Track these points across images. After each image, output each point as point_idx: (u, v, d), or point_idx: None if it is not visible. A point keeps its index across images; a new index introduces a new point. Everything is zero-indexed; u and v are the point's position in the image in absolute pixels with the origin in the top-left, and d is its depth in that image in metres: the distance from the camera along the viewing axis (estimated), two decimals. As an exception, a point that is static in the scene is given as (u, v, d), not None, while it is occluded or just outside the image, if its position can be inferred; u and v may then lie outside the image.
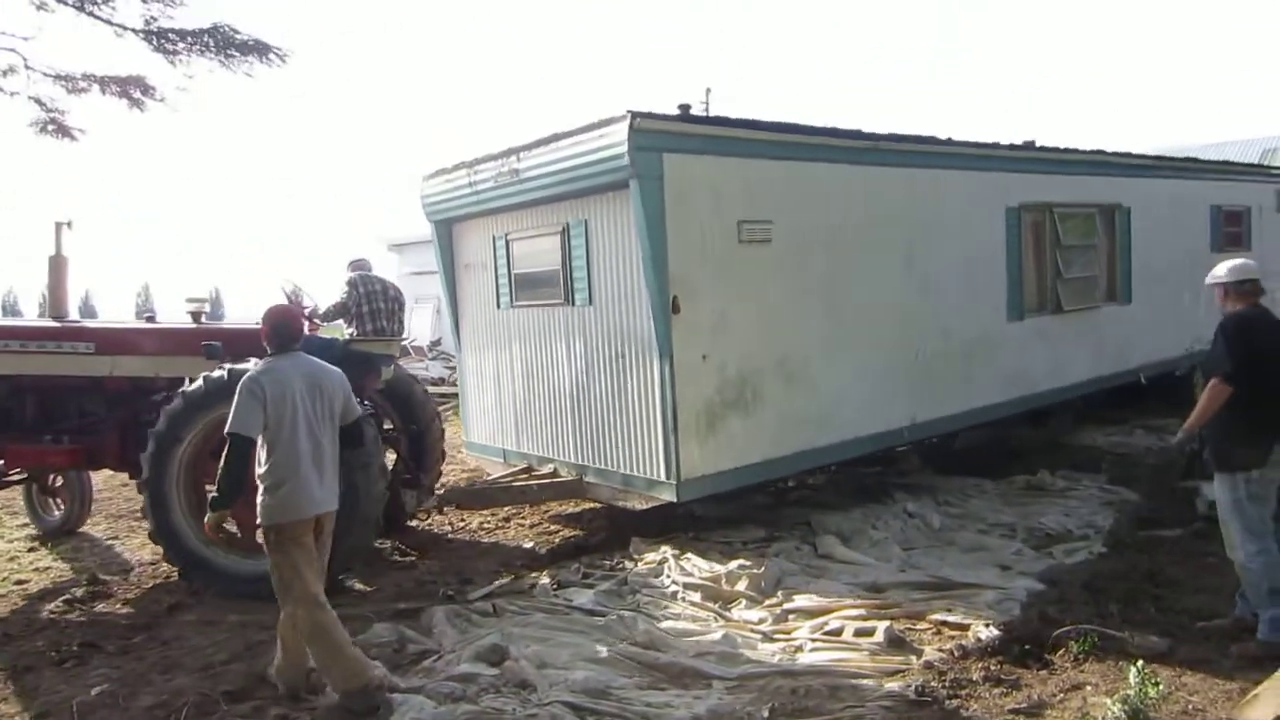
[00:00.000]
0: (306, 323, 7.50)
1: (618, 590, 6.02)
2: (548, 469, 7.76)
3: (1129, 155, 11.08)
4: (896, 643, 4.97)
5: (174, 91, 11.18)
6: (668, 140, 6.40)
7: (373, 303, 7.43)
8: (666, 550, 6.61)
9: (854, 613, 5.44)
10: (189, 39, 10.49)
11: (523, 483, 7.68)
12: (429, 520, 8.08)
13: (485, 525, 7.96)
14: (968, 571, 6.14)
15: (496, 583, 6.20)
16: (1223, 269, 5.03)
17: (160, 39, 10.47)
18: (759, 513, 7.79)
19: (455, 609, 5.67)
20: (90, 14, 10.27)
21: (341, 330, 7.48)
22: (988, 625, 5.04)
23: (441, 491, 7.99)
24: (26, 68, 10.86)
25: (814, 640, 5.12)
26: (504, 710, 4.29)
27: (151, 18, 10.43)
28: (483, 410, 8.69)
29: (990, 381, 8.89)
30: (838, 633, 5.18)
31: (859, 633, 5.13)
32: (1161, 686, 3.91)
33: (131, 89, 10.98)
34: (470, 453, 9.18)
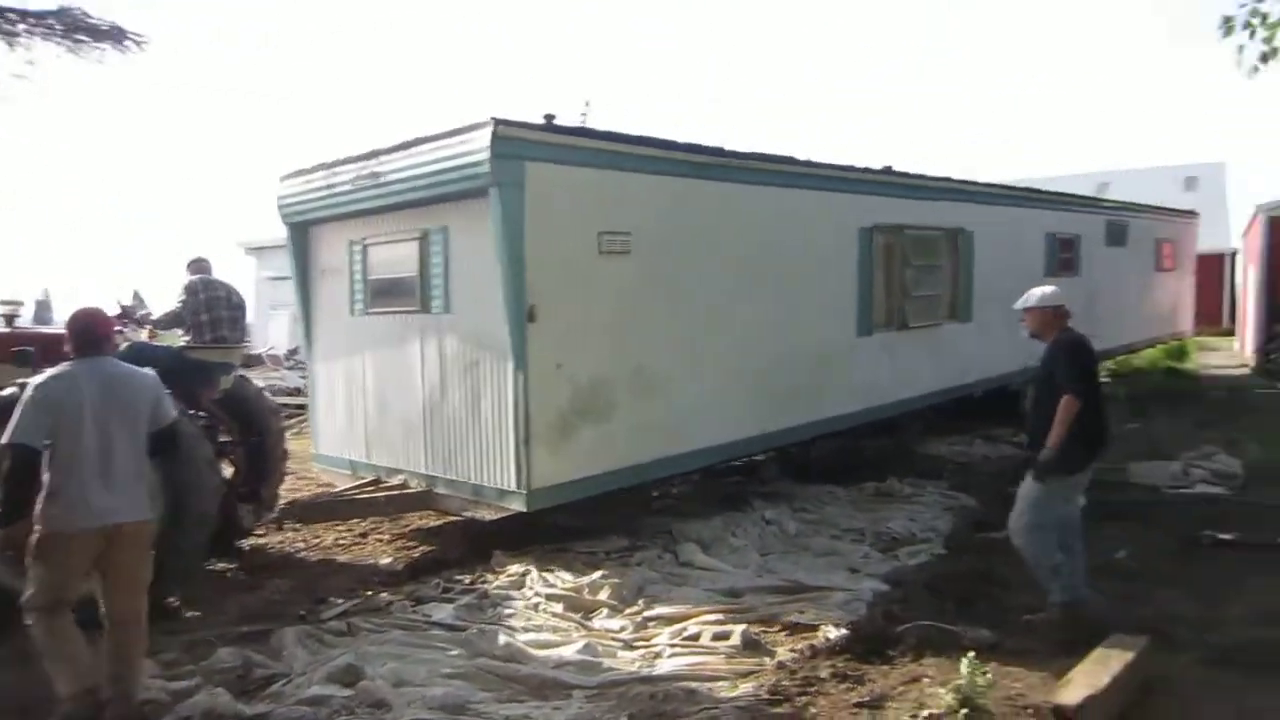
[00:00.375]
0: (145, 331, 7.15)
1: (478, 604, 5.96)
2: (398, 480, 7.61)
3: (974, 183, 11.69)
4: (752, 645, 5.12)
5: (9, 79, 10.12)
6: (530, 149, 6.41)
7: (214, 310, 7.09)
8: (529, 562, 6.61)
9: (712, 618, 5.57)
10: (30, 20, 9.65)
11: (369, 494, 7.49)
12: (280, 538, 7.78)
13: (341, 542, 7.73)
14: (820, 575, 6.38)
15: (351, 601, 6.04)
16: (1049, 293, 5.44)
17: (-5, 18, 9.58)
18: (622, 522, 7.86)
19: (307, 630, 5.47)
20: (-90, -15, 9.35)
21: (177, 338, 7.11)
22: (836, 625, 5.27)
23: (283, 506, 7.68)
24: None
25: (673, 646, 5.21)
26: (357, 730, 4.18)
27: (-13, -5, 9.56)
28: (333, 421, 8.44)
29: (839, 393, 9.23)
30: (696, 638, 5.29)
31: (716, 637, 5.26)
32: (989, 675, 4.16)
33: (-51, 71, 10.04)
34: (318, 465, 8.91)
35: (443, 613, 5.74)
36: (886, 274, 9.92)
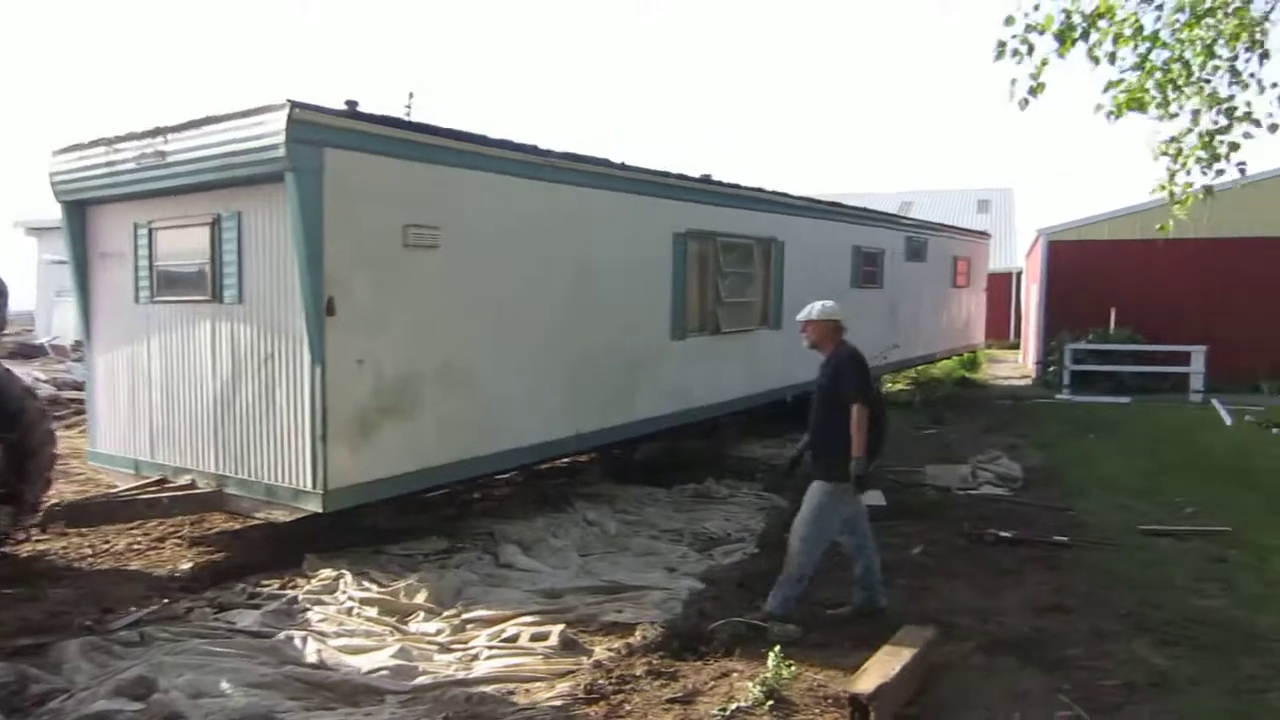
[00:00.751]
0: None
1: (287, 610, 5.73)
2: (185, 480, 7.15)
3: (785, 195, 12.09)
4: (569, 645, 5.18)
5: None
6: (331, 135, 6.15)
7: None
8: (343, 566, 6.40)
9: (531, 619, 5.59)
10: None
11: (151, 495, 7.00)
12: (64, 544, 7.16)
13: (135, 547, 7.20)
14: (638, 574, 6.52)
15: (146, 609, 5.65)
16: (828, 307, 5.66)
17: None
18: (442, 524, 7.76)
19: (93, 641, 5.08)
20: None
21: None
22: (653, 624, 5.42)
23: (50, 507, 6.98)
24: None
25: (491, 648, 5.19)
26: (148, 746, 3.93)
27: None
28: (114, 416, 7.82)
29: (653, 395, 9.35)
30: (514, 639, 5.30)
31: (534, 638, 5.28)
32: (793, 668, 4.40)
33: None
34: (96, 464, 8.24)
35: (248, 619, 5.49)
36: (700, 280, 10.10)
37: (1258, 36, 5.55)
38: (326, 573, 6.32)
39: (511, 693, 4.62)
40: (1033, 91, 5.87)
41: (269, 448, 6.60)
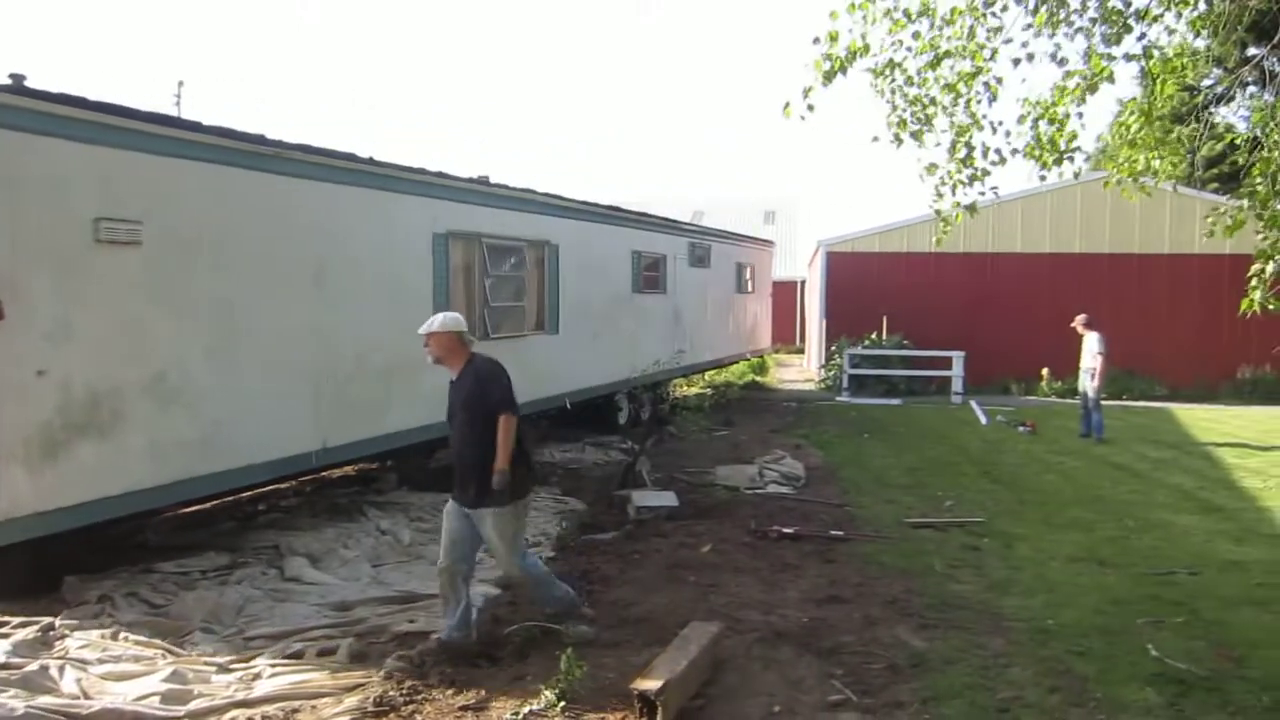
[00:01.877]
0: None
1: (43, 638, 5.24)
2: None
3: (558, 196, 11.58)
4: (359, 658, 5.06)
5: None
6: None
7: None
8: (109, 588, 5.94)
9: (319, 633, 5.42)
10: None
11: None
12: None
13: None
14: (433, 583, 6.43)
15: None
16: (451, 318, 5.54)
17: None
18: (222, 539, 7.35)
19: None
20: None
21: None
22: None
23: None
24: None
25: (274, 666, 4.98)
26: None
27: None
28: None
29: (414, 405, 8.64)
30: (300, 655, 5.11)
31: (322, 653, 5.13)
32: (585, 668, 4.50)
33: None
34: None
35: (-7, 651, 4.98)
36: (466, 283, 9.68)
37: (987, 81, 6.23)
38: (91, 594, 5.84)
39: (296, 710, 4.46)
40: (810, 108, 6.29)
41: None
